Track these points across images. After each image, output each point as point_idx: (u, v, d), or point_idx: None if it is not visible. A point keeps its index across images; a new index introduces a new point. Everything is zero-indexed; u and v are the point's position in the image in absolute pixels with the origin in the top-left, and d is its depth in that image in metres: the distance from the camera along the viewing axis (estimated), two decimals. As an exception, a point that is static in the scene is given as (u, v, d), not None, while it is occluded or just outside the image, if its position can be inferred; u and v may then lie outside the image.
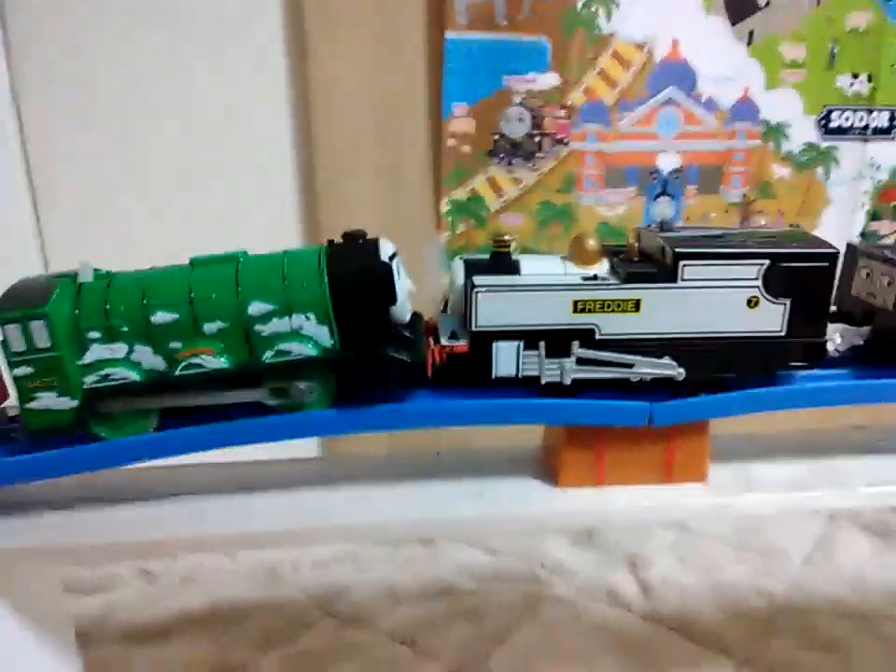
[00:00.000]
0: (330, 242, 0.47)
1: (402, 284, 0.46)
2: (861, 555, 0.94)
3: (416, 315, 0.49)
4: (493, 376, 0.47)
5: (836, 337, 0.53)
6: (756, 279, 0.47)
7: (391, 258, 0.46)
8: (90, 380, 0.43)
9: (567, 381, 0.47)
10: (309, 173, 0.98)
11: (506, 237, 0.48)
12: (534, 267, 0.48)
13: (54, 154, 0.95)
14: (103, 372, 0.43)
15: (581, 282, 0.47)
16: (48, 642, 0.52)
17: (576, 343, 0.47)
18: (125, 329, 0.43)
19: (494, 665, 0.76)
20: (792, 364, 0.49)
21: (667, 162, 1.03)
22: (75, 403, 0.44)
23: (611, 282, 0.47)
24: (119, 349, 0.44)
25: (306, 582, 0.89)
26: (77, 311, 0.43)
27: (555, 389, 0.48)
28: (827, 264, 0.47)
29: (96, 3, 0.91)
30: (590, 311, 0.47)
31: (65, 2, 0.90)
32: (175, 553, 0.76)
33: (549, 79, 0.99)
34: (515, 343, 0.47)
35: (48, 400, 0.44)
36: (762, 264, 0.47)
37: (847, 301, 0.54)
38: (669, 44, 0.99)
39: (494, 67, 0.97)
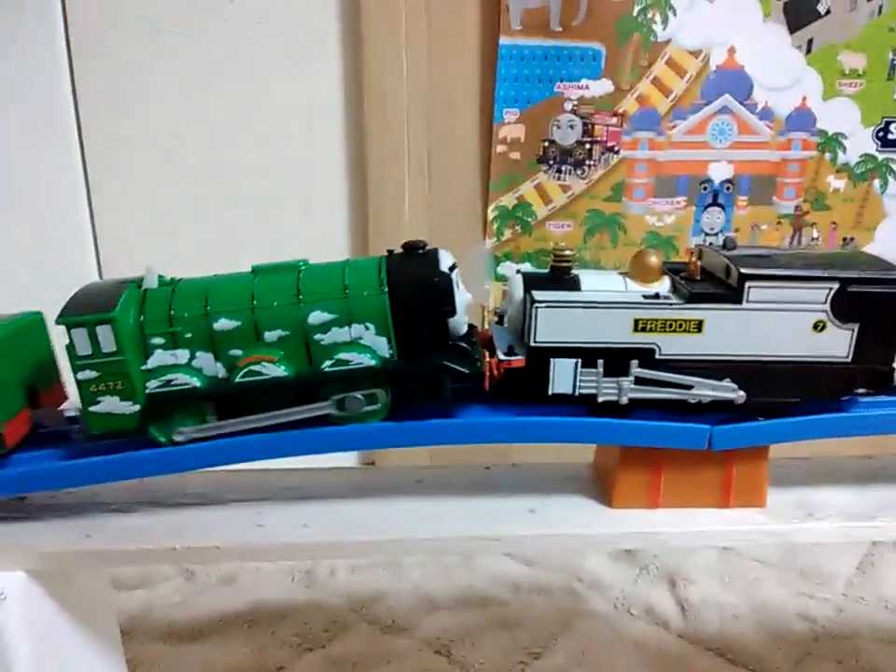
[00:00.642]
0: (390, 252, 0.46)
1: (461, 296, 0.46)
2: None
3: (472, 327, 0.48)
4: (549, 392, 0.46)
5: None
6: (824, 303, 0.46)
7: (451, 268, 0.45)
8: (152, 385, 0.44)
9: (625, 400, 0.46)
10: (360, 175, 0.98)
11: (566, 252, 0.47)
12: (594, 283, 0.47)
13: (110, 154, 0.96)
14: (165, 378, 0.44)
15: (643, 300, 0.46)
16: (95, 638, 0.53)
17: (635, 363, 0.46)
18: (188, 335, 0.44)
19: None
20: (857, 391, 0.48)
21: (719, 172, 1.02)
22: (137, 408, 0.44)
23: (674, 301, 0.46)
24: (182, 355, 0.44)
25: (343, 587, 0.89)
26: (142, 317, 0.44)
27: (611, 408, 0.47)
28: (887, 290, 0.46)
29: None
30: (651, 330, 0.46)
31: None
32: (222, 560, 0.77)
33: (602, 86, 0.98)
34: (573, 361, 0.46)
35: (111, 404, 0.44)
36: (830, 288, 0.45)
37: None
38: (725, 51, 0.98)
39: (546, 73, 0.97)
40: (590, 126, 0.99)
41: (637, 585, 0.90)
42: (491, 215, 1.01)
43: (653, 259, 0.47)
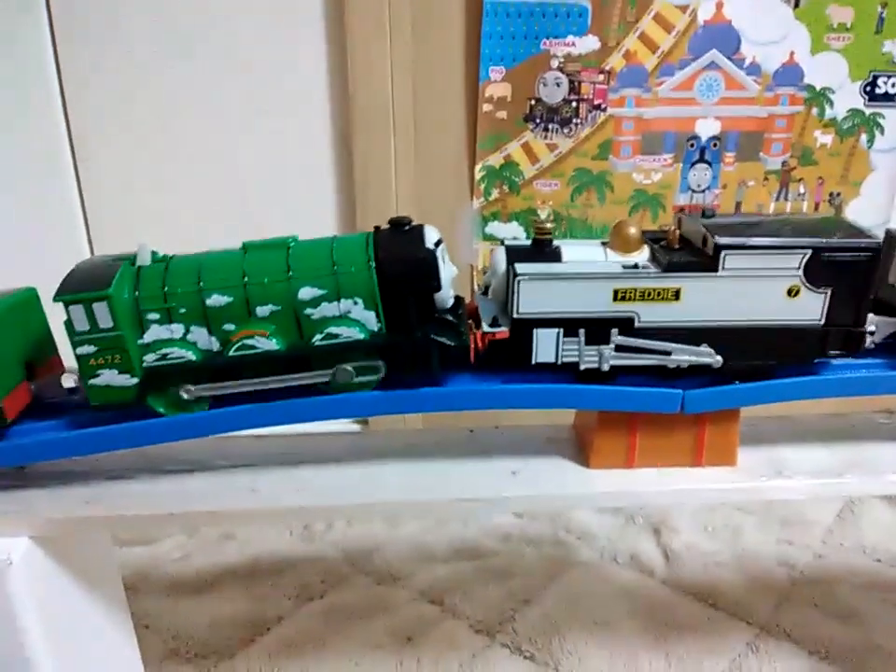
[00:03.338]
0: (377, 228, 0.48)
1: (447, 270, 0.47)
2: (884, 527, 0.95)
3: (458, 299, 0.50)
4: (533, 362, 0.48)
5: (871, 327, 0.52)
6: (797, 269, 0.47)
7: (436, 244, 0.47)
8: (149, 358, 0.46)
9: (606, 367, 0.48)
10: (345, 138, 0.99)
11: (547, 224, 0.48)
12: (575, 254, 0.48)
13: (99, 131, 0.96)
14: (162, 352, 0.45)
15: (622, 271, 0.47)
16: (101, 596, 0.55)
17: (615, 331, 0.48)
18: (182, 310, 0.45)
19: (518, 626, 0.79)
20: (830, 353, 0.50)
21: (706, 128, 1.02)
22: (135, 381, 0.46)
23: (652, 271, 0.47)
24: (177, 330, 0.46)
25: (340, 540, 0.92)
26: (137, 293, 0.45)
27: (593, 375, 0.49)
28: (869, 255, 0.47)
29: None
30: (630, 299, 0.47)
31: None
32: (219, 524, 0.79)
33: (588, 43, 0.98)
34: (556, 331, 0.47)
35: (109, 377, 0.46)
36: (803, 254, 0.47)
37: (885, 290, 0.54)
38: (713, 6, 0.97)
39: (532, 30, 0.96)
40: (576, 84, 0.99)
41: (623, 535, 0.93)
42: (478, 174, 1.01)
43: (632, 230, 0.49)
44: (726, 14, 0.98)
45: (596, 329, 0.47)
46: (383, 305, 0.46)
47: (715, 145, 1.02)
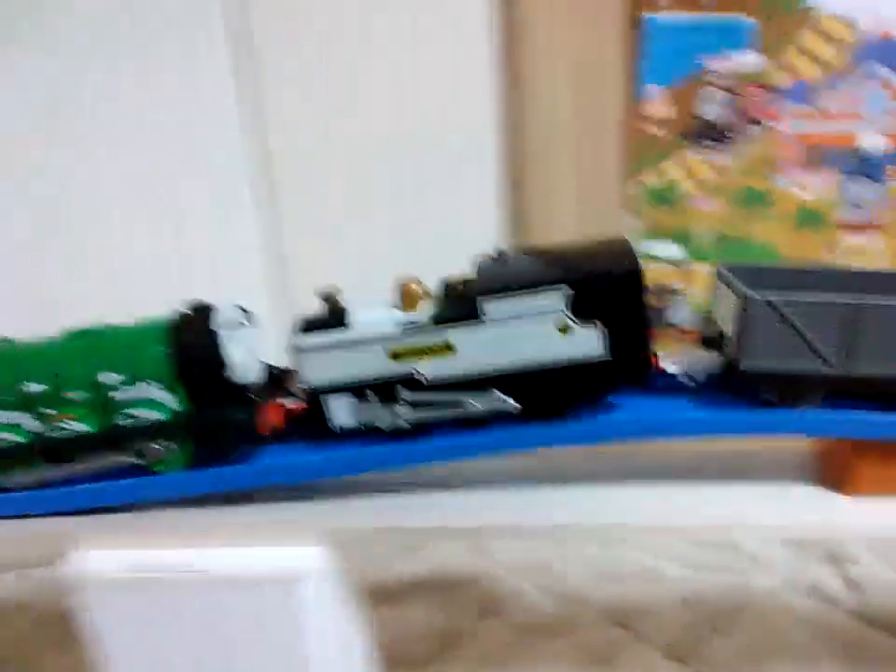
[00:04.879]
0: (179, 312, 0.52)
1: (239, 348, 0.50)
2: None
3: (284, 371, 0.53)
4: (336, 429, 0.50)
5: (683, 362, 0.51)
6: (561, 306, 0.46)
7: (226, 325, 0.50)
8: None
9: (405, 424, 0.49)
10: (510, 155, 0.98)
11: (333, 294, 0.50)
12: (361, 317, 0.49)
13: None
14: None
15: (395, 330, 0.48)
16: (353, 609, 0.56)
17: (402, 389, 0.48)
18: (7, 399, 0.52)
19: (711, 654, 0.76)
20: (620, 387, 0.49)
21: (872, 144, 0.98)
22: None
23: (423, 326, 0.48)
24: (3, 416, 0.52)
25: (519, 555, 0.91)
26: None
27: (399, 433, 0.49)
28: (627, 282, 0.46)
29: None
30: (407, 356, 0.48)
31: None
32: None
33: (748, 59, 0.95)
34: (346, 396, 0.49)
35: None
36: (561, 290, 0.46)
37: (709, 326, 0.53)
38: (877, 18, 0.94)
39: (692, 48, 0.95)
40: (736, 100, 0.97)
41: (800, 562, 0.90)
42: (634, 193, 1.00)
43: (413, 287, 0.50)
44: (890, 26, 0.95)
45: (384, 390, 0.48)
46: (182, 386, 0.50)
47: (881, 160, 0.99)
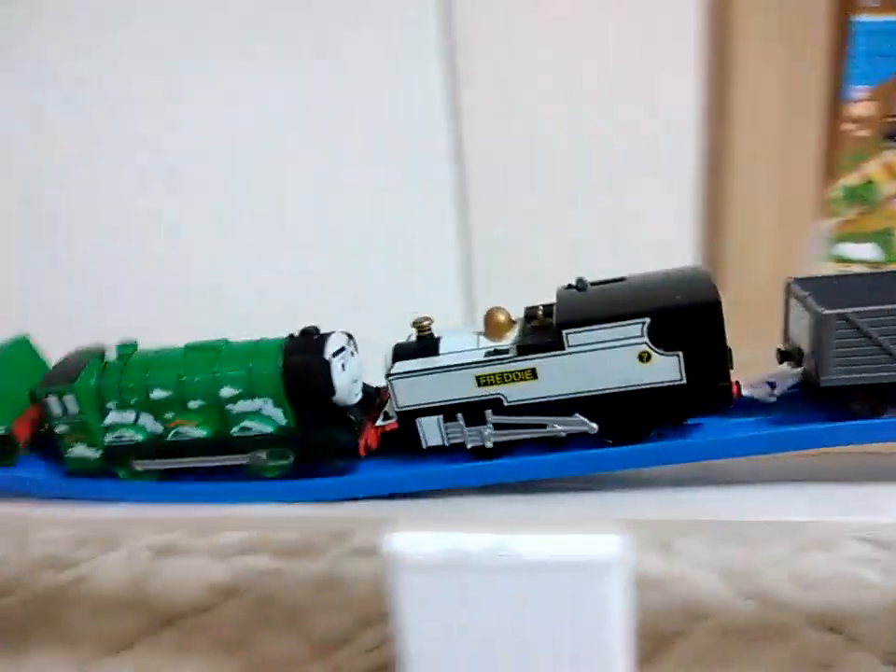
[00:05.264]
0: (291, 335, 0.55)
1: (345, 375, 0.53)
2: None
3: (378, 391, 0.57)
4: (424, 446, 0.53)
5: (762, 382, 0.51)
6: (641, 336, 0.47)
7: (336, 353, 0.53)
8: (108, 438, 0.56)
9: (490, 444, 0.52)
10: (711, 154, 0.96)
11: (425, 322, 0.53)
12: (450, 345, 0.52)
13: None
14: (117, 433, 0.56)
15: (482, 359, 0.51)
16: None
17: (489, 412, 0.51)
18: (133, 400, 0.56)
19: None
20: (699, 412, 0.49)
21: None
22: (98, 454, 0.57)
23: (508, 355, 0.50)
24: (129, 416, 0.56)
25: (717, 561, 0.88)
26: (100, 386, 0.56)
27: (483, 452, 0.52)
28: (707, 314, 0.47)
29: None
30: (493, 383, 0.51)
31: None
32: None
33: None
34: (436, 418, 0.52)
35: (81, 451, 0.58)
36: (643, 322, 0.47)
37: (788, 342, 0.52)
38: None
39: (896, 49, 0.90)
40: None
41: None
42: (833, 194, 0.96)
43: (499, 317, 0.52)
44: None
45: (471, 412, 0.51)
46: (290, 405, 0.53)
47: None
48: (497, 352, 0.51)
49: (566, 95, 0.93)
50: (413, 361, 0.52)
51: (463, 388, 0.51)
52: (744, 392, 0.50)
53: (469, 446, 0.52)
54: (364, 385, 0.57)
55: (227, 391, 0.54)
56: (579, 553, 0.46)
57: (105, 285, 1.01)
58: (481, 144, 0.95)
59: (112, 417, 0.56)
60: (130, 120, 0.96)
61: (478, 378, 0.51)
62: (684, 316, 0.47)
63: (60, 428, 0.57)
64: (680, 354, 0.47)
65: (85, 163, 0.98)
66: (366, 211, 0.98)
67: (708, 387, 0.48)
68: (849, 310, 0.45)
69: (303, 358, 0.53)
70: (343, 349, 0.54)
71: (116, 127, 0.97)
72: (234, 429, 0.54)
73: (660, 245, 0.94)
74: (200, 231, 0.99)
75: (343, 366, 0.53)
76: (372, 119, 0.95)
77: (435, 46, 0.92)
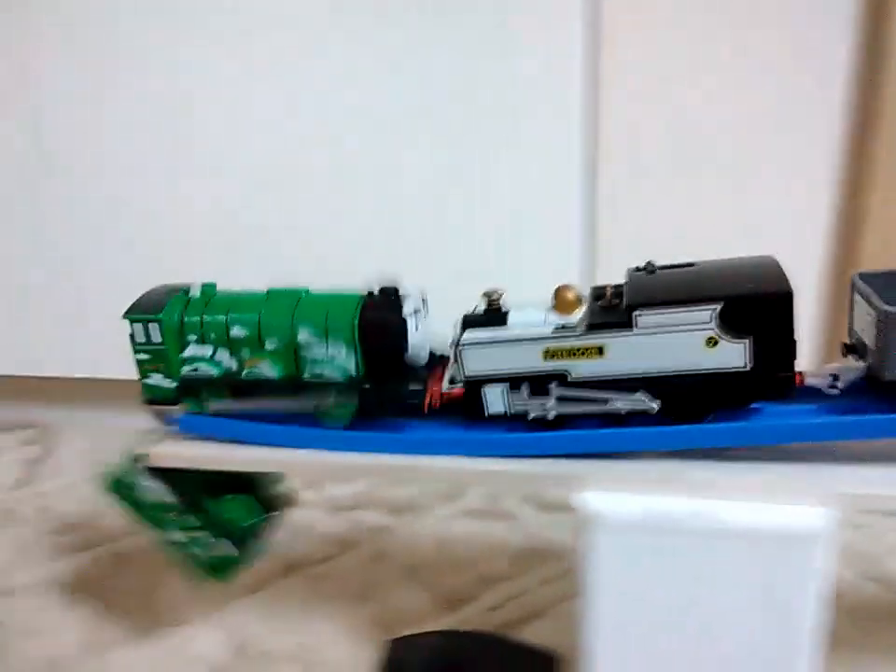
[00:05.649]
0: (370, 293, 0.57)
1: (418, 335, 0.56)
2: None
3: (442, 358, 0.59)
4: (486, 414, 0.55)
5: (827, 374, 0.52)
6: (709, 322, 0.49)
7: (413, 313, 0.56)
8: (185, 370, 0.59)
9: (552, 416, 0.54)
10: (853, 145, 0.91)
11: (495, 294, 0.56)
12: (518, 318, 0.55)
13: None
14: (194, 366, 0.59)
15: (550, 333, 0.53)
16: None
17: (554, 384, 0.53)
18: (212, 336, 0.58)
19: None
20: (762, 398, 0.51)
21: None
22: (175, 384, 0.60)
23: (576, 331, 0.52)
24: (207, 351, 0.59)
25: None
26: (182, 319, 0.59)
27: (542, 423, 0.55)
28: (781, 303, 0.48)
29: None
30: (560, 357, 0.53)
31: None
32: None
33: None
34: (502, 386, 0.54)
35: (157, 379, 0.61)
36: (714, 308, 0.49)
37: (853, 334, 0.52)
38: None
39: None
40: None
41: None
42: None
43: (569, 294, 0.54)
44: None
45: (536, 384, 0.54)
46: (363, 356, 0.56)
47: None
48: (565, 327, 0.53)
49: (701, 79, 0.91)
50: (482, 331, 0.54)
51: (530, 360, 0.53)
52: (807, 382, 0.51)
53: (530, 416, 0.55)
54: (432, 350, 0.59)
55: (303, 336, 0.57)
56: (785, 524, 0.46)
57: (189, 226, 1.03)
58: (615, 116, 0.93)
59: (191, 350, 0.59)
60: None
61: (546, 351, 0.53)
62: (755, 304, 0.48)
63: (140, 356, 0.60)
64: (748, 341, 0.49)
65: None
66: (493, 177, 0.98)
67: (772, 376, 0.50)
68: None
69: (382, 315, 0.56)
70: (418, 310, 0.57)
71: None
72: (306, 374, 0.57)
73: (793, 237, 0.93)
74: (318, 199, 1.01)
75: (417, 326, 0.56)
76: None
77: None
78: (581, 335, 0.52)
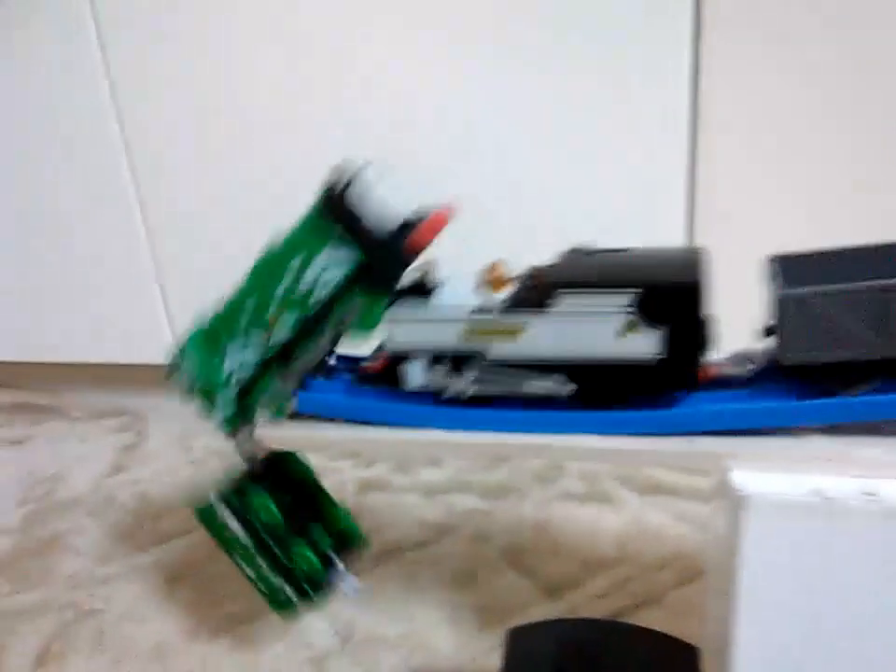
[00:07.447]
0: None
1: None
2: None
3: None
4: (408, 388, 0.55)
5: (735, 359, 0.52)
6: (629, 307, 0.49)
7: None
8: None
9: (465, 395, 0.54)
10: None
11: (426, 268, 0.55)
12: (449, 295, 0.54)
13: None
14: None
15: (468, 313, 0.52)
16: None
17: (471, 363, 0.53)
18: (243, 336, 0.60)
19: None
20: (673, 387, 0.50)
21: None
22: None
23: (494, 311, 0.52)
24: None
25: None
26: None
27: (457, 401, 0.54)
28: (689, 293, 0.48)
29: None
30: (477, 336, 0.52)
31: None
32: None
33: None
34: (422, 361, 0.55)
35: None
36: (633, 293, 0.48)
37: (768, 316, 0.51)
38: None
39: None
40: None
41: None
42: None
43: (496, 272, 0.53)
44: None
45: (456, 362, 0.53)
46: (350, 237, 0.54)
47: None
48: (487, 306, 0.52)
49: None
50: (408, 305, 0.54)
51: (451, 338, 0.53)
52: (722, 367, 0.52)
53: (447, 394, 0.54)
54: None
55: (284, 284, 0.57)
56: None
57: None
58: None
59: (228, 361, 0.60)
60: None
61: (466, 329, 0.53)
62: (669, 294, 0.48)
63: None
64: (662, 330, 0.49)
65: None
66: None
67: (684, 365, 0.50)
68: (807, 290, 0.45)
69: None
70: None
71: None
72: (314, 297, 0.56)
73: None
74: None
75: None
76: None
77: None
78: (499, 314, 0.52)
